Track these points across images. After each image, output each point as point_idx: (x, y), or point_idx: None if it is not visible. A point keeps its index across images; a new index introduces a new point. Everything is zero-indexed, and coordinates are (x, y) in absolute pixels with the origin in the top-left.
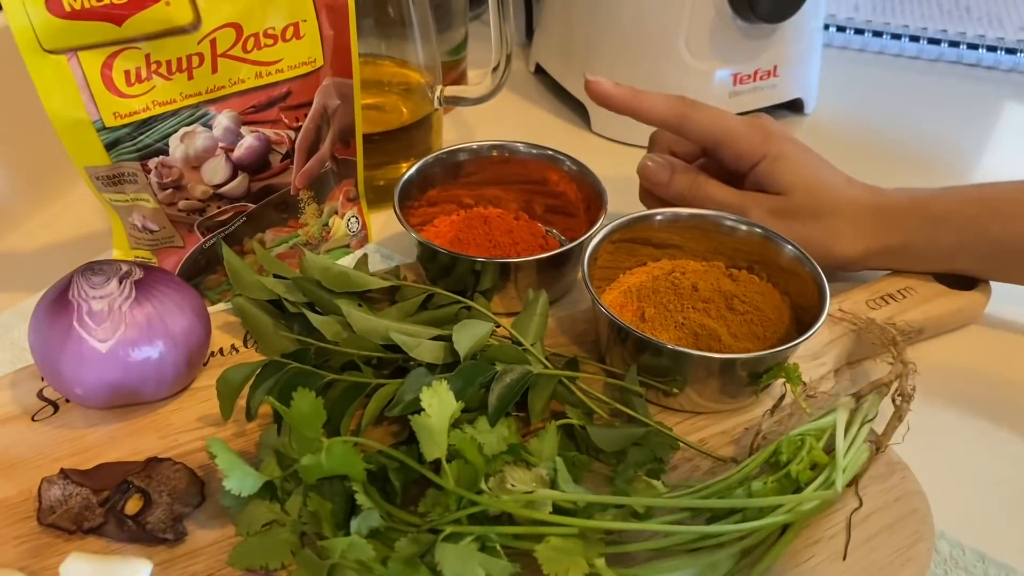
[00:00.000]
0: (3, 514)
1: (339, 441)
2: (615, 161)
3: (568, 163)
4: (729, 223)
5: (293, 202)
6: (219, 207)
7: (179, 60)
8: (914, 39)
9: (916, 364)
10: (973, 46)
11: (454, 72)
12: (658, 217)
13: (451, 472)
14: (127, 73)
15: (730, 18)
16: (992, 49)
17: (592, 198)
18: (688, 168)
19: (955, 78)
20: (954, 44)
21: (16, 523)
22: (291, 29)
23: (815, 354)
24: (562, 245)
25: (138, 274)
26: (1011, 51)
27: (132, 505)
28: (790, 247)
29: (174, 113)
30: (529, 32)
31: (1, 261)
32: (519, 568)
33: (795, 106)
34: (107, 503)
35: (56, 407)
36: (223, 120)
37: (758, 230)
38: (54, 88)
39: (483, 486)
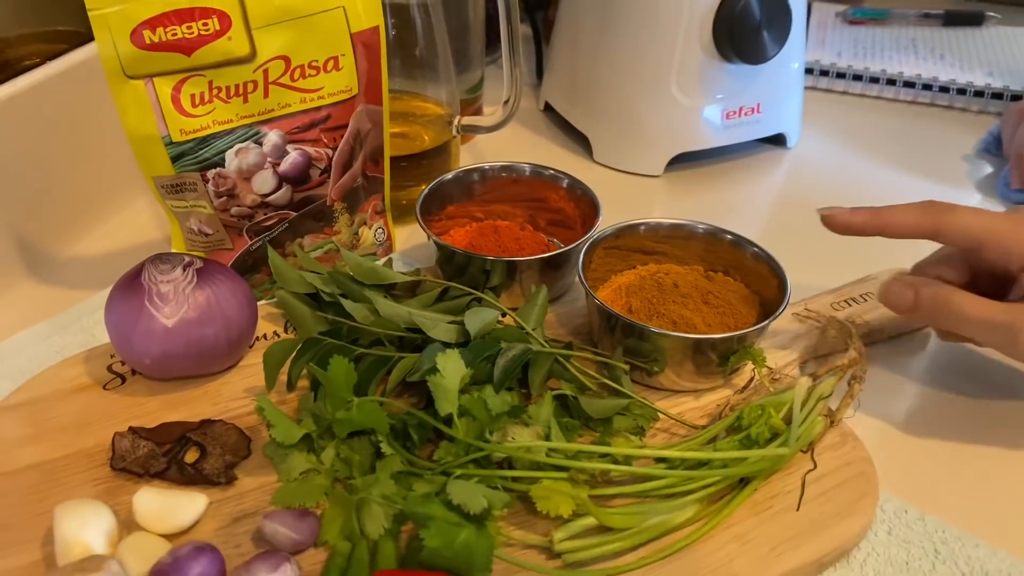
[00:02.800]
0: (82, 461)
1: (368, 400)
2: (614, 186)
3: (567, 182)
4: (703, 230)
5: (328, 212)
6: (265, 214)
7: (237, 86)
8: (891, 82)
9: (872, 357)
10: (945, 89)
11: (471, 108)
12: (641, 227)
13: (461, 426)
14: (193, 96)
15: (716, 60)
16: (962, 92)
17: (588, 213)
18: (932, 284)
19: (928, 118)
20: (927, 87)
21: (93, 468)
22: (331, 62)
23: (782, 346)
24: None
25: (199, 264)
26: (979, 94)
27: (190, 455)
28: (755, 249)
29: (231, 131)
30: (539, 74)
31: (72, 264)
32: (515, 499)
33: (779, 140)
34: (169, 453)
35: (124, 379)
36: (272, 138)
37: (728, 236)
38: (132, 108)
39: (488, 438)
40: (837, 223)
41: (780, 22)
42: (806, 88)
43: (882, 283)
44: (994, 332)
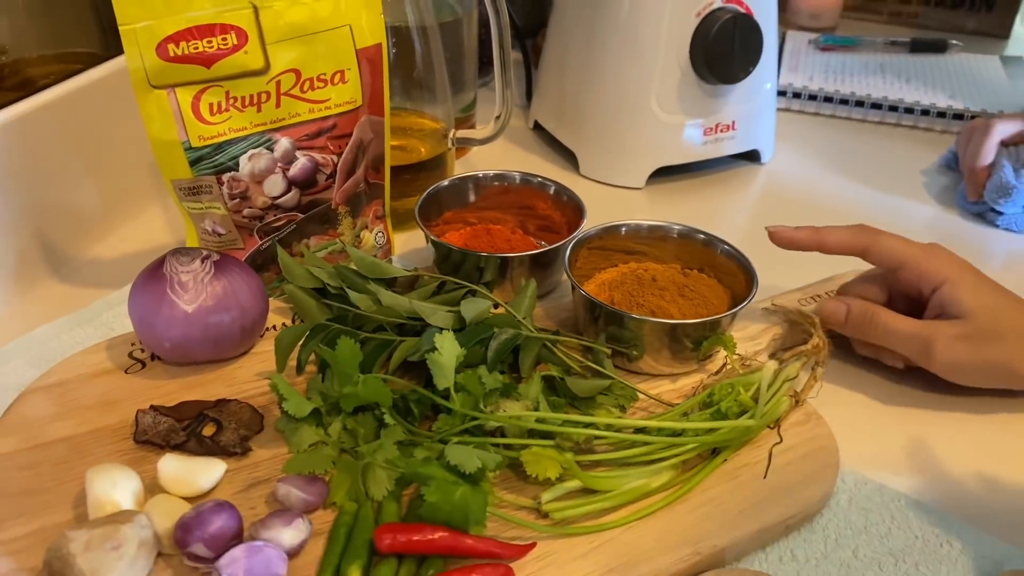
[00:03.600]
0: (108, 435)
1: (372, 376)
2: (599, 198)
3: (554, 189)
4: (678, 231)
5: (333, 215)
6: (275, 215)
7: (251, 96)
8: (860, 104)
9: (836, 347)
10: (910, 110)
11: (464, 126)
12: (623, 228)
13: (458, 399)
14: (211, 105)
15: (693, 80)
16: (926, 113)
17: (573, 220)
18: (861, 302)
19: (894, 138)
20: (893, 108)
21: (118, 442)
22: (338, 75)
23: (752, 335)
24: None
25: (216, 257)
26: (942, 115)
27: (208, 429)
28: (726, 247)
29: (245, 138)
30: (528, 96)
31: (91, 265)
32: (506, 461)
33: (753, 156)
34: (188, 428)
35: (143, 364)
36: (283, 144)
37: (701, 236)
38: (155, 116)
39: (482, 409)
40: (782, 238)
41: (752, 45)
42: (780, 109)
43: (820, 300)
44: (911, 343)
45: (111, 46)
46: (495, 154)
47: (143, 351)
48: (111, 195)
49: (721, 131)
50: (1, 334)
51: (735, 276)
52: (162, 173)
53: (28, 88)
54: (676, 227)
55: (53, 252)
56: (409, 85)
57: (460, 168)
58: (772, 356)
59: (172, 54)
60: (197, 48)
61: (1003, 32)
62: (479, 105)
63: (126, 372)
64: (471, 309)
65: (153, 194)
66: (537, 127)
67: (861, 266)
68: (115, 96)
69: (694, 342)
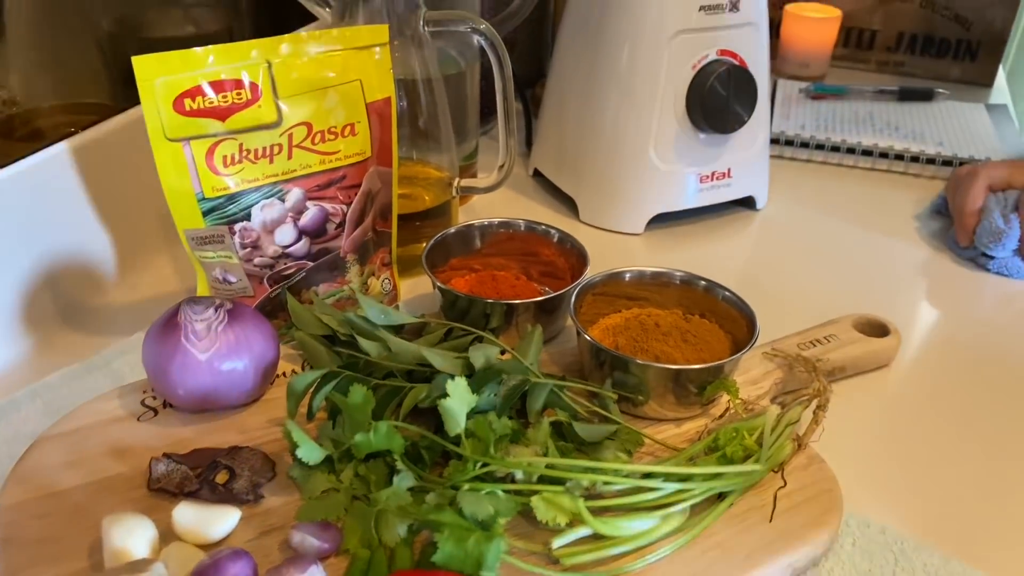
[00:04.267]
0: (122, 483)
1: (384, 423)
2: (599, 243)
3: (558, 237)
4: (680, 278)
5: (341, 263)
6: (285, 264)
7: (264, 148)
8: (850, 151)
9: (837, 391)
10: (899, 157)
11: (466, 174)
12: (626, 275)
13: (468, 445)
14: (224, 157)
15: (689, 130)
16: (915, 160)
17: (576, 265)
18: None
19: (884, 184)
20: (883, 155)
21: (131, 490)
22: (348, 128)
23: (754, 380)
24: None
25: (228, 305)
26: (931, 161)
27: (220, 477)
28: (726, 293)
29: (257, 189)
30: (528, 144)
31: (103, 312)
32: (518, 505)
33: (748, 203)
34: (201, 475)
35: (156, 412)
36: (294, 195)
37: (703, 283)
38: (170, 168)
39: (493, 455)
40: None
41: (746, 96)
42: (773, 156)
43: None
44: None
45: (121, 97)
46: (497, 202)
47: (155, 398)
48: (120, 245)
49: (717, 179)
50: (13, 381)
51: (736, 321)
52: (175, 223)
53: (39, 139)
54: (678, 274)
55: (64, 300)
56: (415, 135)
57: (462, 215)
58: (774, 400)
59: (188, 108)
60: (212, 102)
61: (987, 80)
62: (480, 154)
63: (138, 420)
64: (480, 355)
65: (161, 243)
66: (537, 174)
67: (859, 310)
68: (126, 148)
69: (698, 387)
